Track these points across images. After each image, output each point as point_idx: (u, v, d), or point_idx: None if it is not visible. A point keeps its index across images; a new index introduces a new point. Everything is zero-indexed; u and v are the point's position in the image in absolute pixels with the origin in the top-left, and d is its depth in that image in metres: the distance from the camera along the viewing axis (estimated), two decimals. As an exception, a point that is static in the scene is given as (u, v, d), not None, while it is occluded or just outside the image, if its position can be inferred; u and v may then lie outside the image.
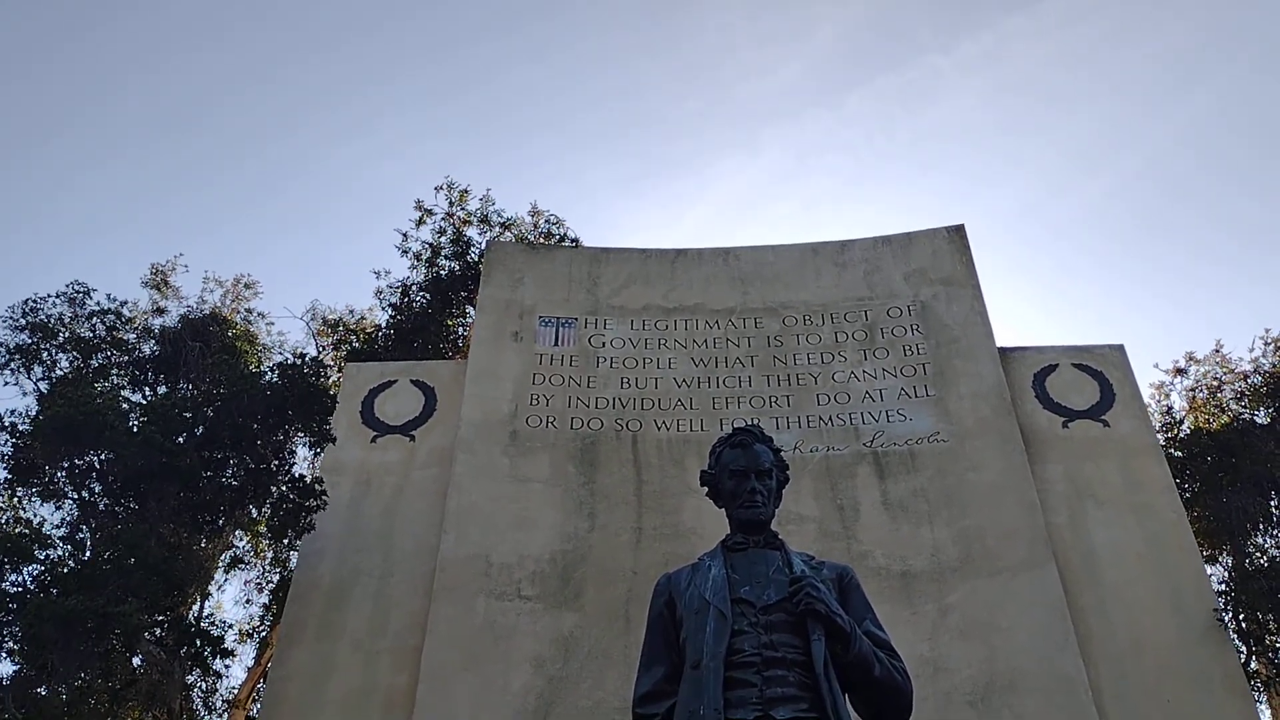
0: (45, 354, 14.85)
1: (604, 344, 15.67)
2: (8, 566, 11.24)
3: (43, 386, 14.66)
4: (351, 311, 22.22)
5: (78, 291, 15.44)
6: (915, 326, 15.52)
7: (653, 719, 4.35)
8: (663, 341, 15.71)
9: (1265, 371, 17.79)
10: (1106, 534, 13.41)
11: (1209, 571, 14.73)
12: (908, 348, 15.31)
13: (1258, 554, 16.11)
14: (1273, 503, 16.04)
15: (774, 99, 44.15)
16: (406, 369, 16.21)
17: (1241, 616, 14.71)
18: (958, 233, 16.63)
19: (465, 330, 21.26)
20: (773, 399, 15.01)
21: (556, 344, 15.62)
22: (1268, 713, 15.49)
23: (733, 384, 15.22)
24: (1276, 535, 16.22)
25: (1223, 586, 15.42)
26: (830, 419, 14.68)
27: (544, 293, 16.27)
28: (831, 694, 4.05)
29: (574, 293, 16.30)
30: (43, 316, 14.93)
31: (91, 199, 40.86)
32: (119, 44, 40.52)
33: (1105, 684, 12.06)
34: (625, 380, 15.25)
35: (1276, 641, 14.42)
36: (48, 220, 41.18)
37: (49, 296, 15.09)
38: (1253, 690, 13.90)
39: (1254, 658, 15.06)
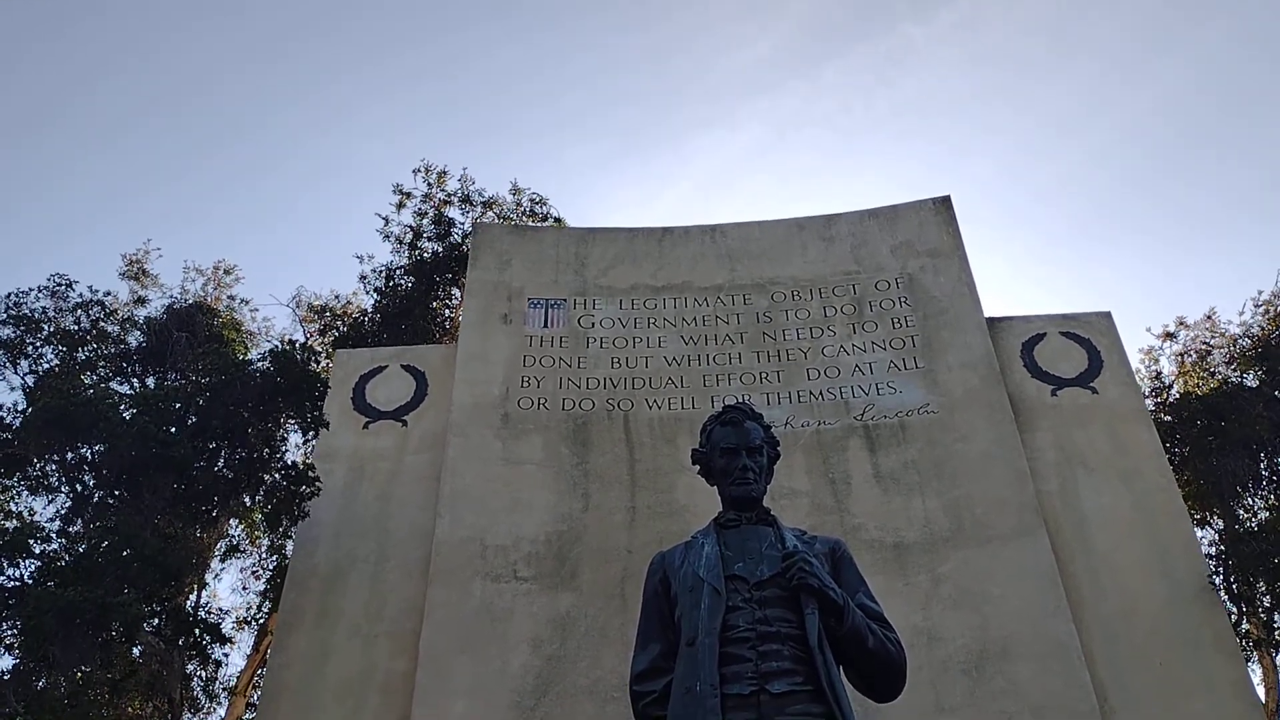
0: (30, 347, 14.83)
1: (593, 324, 15.67)
2: (4, 560, 11.25)
3: (29, 380, 14.64)
4: (337, 297, 22.21)
5: (59, 284, 15.42)
6: (903, 299, 15.55)
7: (650, 696, 4.40)
8: (652, 320, 15.71)
9: (1254, 335, 17.88)
10: (1096, 500, 13.49)
11: (1199, 535, 14.85)
12: (896, 320, 15.34)
13: (1247, 516, 16.26)
14: (1262, 465, 16.16)
15: (751, 72, 44.02)
16: (397, 354, 16.18)
17: (1232, 578, 14.86)
18: (944, 204, 16.63)
19: (451, 312, 21.26)
20: (763, 374, 15.04)
21: (546, 325, 15.61)
22: (1259, 673, 15.68)
23: (723, 361, 15.24)
24: (1266, 497, 16.36)
25: (1212, 550, 15.57)
26: (820, 393, 14.72)
27: (532, 274, 16.24)
28: (826, 667, 4.10)
29: (562, 273, 16.27)
30: (26, 310, 14.90)
31: (65, 194, 40.64)
32: (91, 38, 40.13)
33: (1097, 648, 12.17)
34: (615, 360, 15.26)
35: (1267, 602, 14.56)
36: (22, 216, 40.94)
37: (31, 290, 15.08)
38: (1243, 651, 14.06)
39: (1244, 619, 15.23)
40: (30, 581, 11.21)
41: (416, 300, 20.73)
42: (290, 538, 15.27)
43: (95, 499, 12.55)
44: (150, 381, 16.23)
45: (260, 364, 13.59)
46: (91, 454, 12.52)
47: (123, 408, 12.70)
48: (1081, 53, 40.51)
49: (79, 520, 12.56)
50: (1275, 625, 15.25)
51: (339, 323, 21.46)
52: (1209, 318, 18.84)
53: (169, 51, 40.84)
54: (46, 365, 14.86)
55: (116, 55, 40.89)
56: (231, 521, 16.52)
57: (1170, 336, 19.05)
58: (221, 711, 16.79)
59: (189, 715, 15.27)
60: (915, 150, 44.66)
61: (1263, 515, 15.94)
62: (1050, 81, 41.39)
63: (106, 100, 41.13)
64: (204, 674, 15.93)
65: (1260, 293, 18.25)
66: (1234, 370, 17.80)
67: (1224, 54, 38.81)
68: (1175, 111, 41.32)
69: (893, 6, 42.13)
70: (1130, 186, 42.41)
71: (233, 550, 17.89)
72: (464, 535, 13.34)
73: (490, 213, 22.05)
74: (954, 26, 41.99)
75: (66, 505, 12.86)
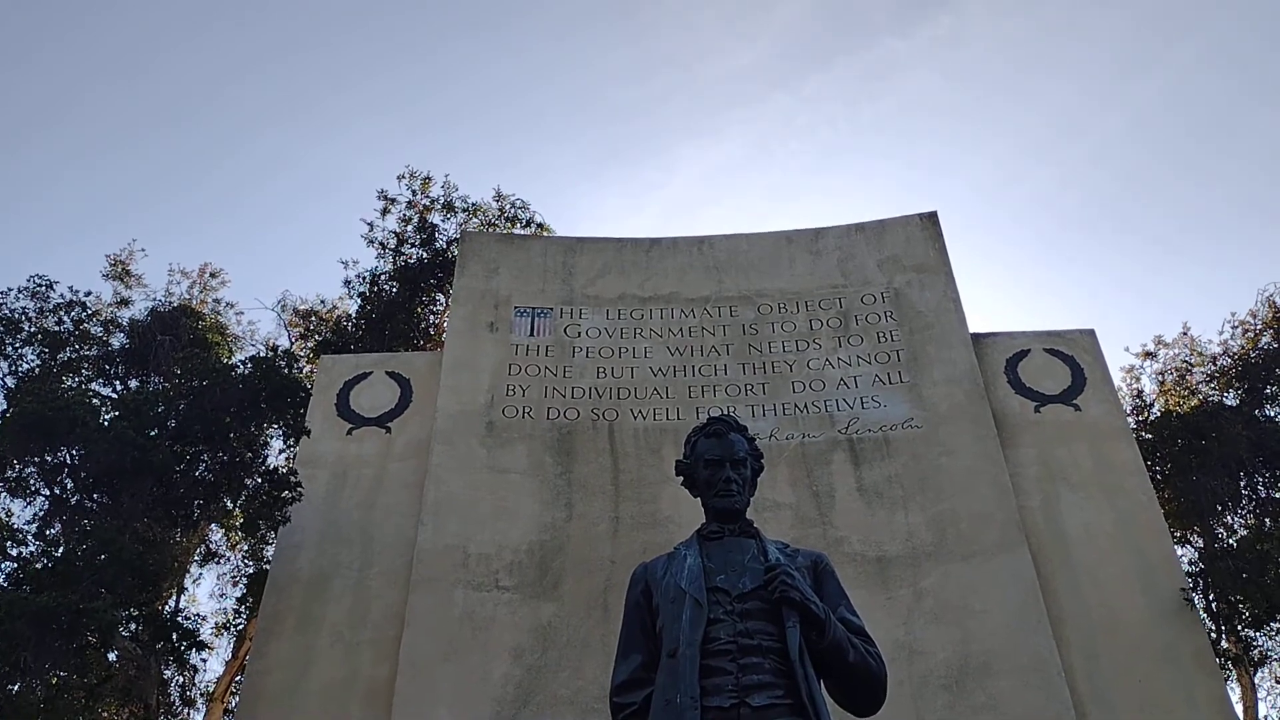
0: (10, 349, 14.71)
1: (580, 334, 15.66)
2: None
3: (9, 382, 14.53)
4: (323, 302, 22.19)
5: (40, 285, 15.32)
6: (889, 313, 15.60)
7: (630, 707, 4.38)
8: (638, 331, 15.72)
9: (1234, 354, 18.06)
10: (1078, 517, 13.55)
11: (1179, 552, 14.93)
12: (882, 335, 15.39)
13: (1226, 534, 16.37)
14: (1241, 483, 16.28)
15: (734, 84, 44.25)
16: (382, 360, 16.13)
17: (1211, 596, 14.95)
18: (930, 220, 16.71)
19: (435, 318, 21.27)
20: (748, 387, 15.06)
21: (532, 334, 15.61)
22: (1237, 690, 15.75)
23: (708, 372, 15.26)
24: (1244, 516, 16.47)
25: (1192, 567, 15.67)
26: (805, 406, 14.74)
27: (519, 283, 16.24)
28: (806, 680, 4.09)
29: (549, 283, 16.27)
30: (6, 310, 14.77)
31: (52, 203, 40.50)
32: (80, 50, 40.05)
33: (1078, 664, 12.22)
34: (601, 370, 15.25)
35: (1245, 620, 14.65)
36: (9, 224, 40.77)
37: (10, 291, 14.96)
38: (1222, 669, 14.13)
39: (1223, 636, 15.31)
40: (5, 585, 11.09)
41: (400, 305, 20.73)
42: (269, 544, 15.18)
43: (74, 502, 12.44)
44: (133, 384, 16.14)
45: (243, 369, 13.52)
46: (70, 457, 12.41)
47: (103, 411, 12.60)
48: (1060, 71, 40.89)
49: (56, 523, 12.44)
50: (1253, 643, 15.34)
51: (324, 327, 21.43)
52: (1185, 334, 19.04)
53: (157, 66, 40.83)
54: (27, 366, 14.75)
55: (107, 68, 40.84)
56: (212, 526, 16.42)
57: (1150, 355, 19.22)
58: (199, 717, 16.67)
59: (165, 721, 15.14)
60: (897, 164, 44.98)
61: (1241, 533, 16.04)
62: (1029, 99, 41.74)
63: (96, 112, 41.10)
64: (181, 680, 15.82)
65: (1234, 313, 18.51)
66: (1214, 389, 17.96)
67: (1198, 74, 39.23)
68: (1150, 130, 41.73)
69: (873, 20, 42.45)
70: (1107, 204, 42.75)
71: (211, 555, 17.79)
72: (447, 543, 13.29)
73: (474, 219, 22.10)
74: (935, 41, 42.31)
75: (44, 508, 12.75)
